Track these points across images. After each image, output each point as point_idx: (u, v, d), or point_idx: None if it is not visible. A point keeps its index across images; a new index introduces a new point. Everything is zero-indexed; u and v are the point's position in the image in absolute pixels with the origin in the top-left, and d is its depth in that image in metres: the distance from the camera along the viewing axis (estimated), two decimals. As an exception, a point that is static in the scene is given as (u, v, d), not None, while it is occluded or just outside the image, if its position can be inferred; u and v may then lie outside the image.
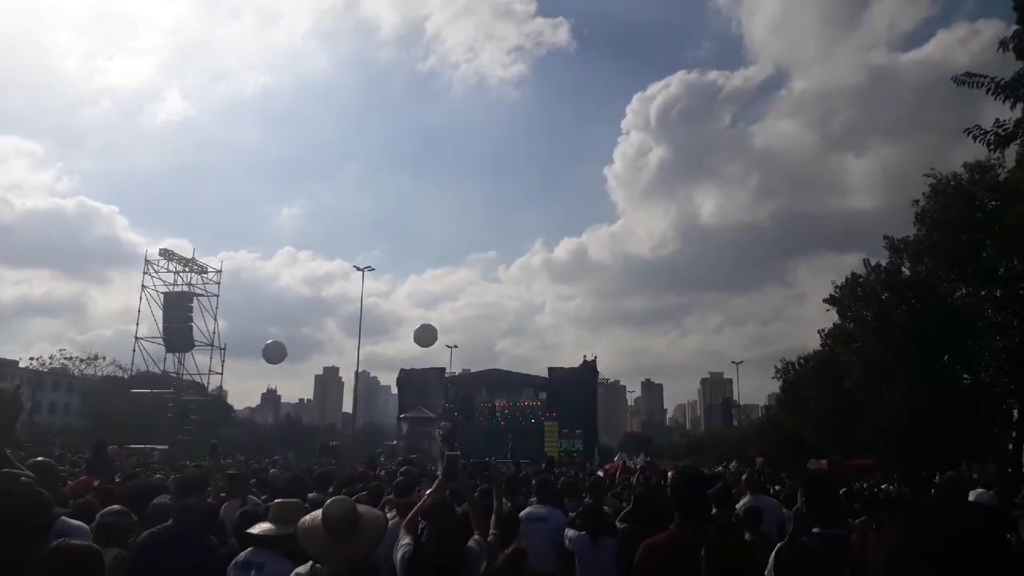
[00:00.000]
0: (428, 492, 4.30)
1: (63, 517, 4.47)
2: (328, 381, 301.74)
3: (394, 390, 70.15)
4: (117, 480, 8.71)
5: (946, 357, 24.61)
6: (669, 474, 14.43)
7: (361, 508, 3.95)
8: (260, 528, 4.00)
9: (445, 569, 3.57)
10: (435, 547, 3.60)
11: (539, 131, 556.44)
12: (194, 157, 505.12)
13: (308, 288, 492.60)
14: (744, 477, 9.22)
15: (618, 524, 6.68)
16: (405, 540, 3.85)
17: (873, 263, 26.88)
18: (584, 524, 6.02)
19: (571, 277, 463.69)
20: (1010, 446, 24.43)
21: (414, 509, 4.14)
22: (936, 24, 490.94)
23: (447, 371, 59.55)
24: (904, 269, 25.62)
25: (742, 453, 40.50)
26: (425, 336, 21.74)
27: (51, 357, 71.20)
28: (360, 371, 53.92)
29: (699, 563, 3.24)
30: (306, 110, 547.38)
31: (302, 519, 3.94)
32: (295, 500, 4.22)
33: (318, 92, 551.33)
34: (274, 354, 20.79)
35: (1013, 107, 11.83)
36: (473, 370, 68.21)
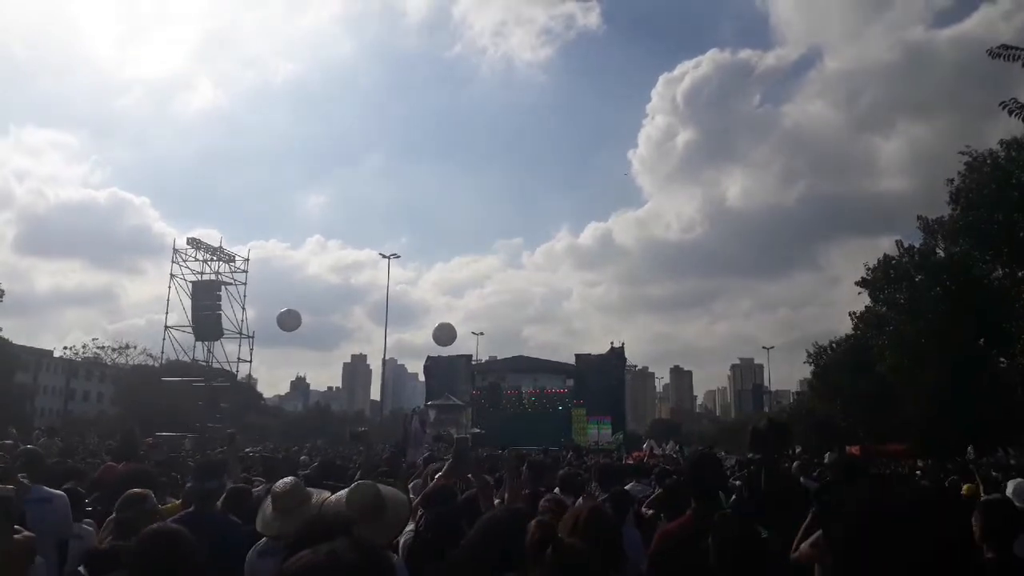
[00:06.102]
0: (437, 476, 4.25)
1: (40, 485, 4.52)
2: (356, 369, 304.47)
3: (421, 377, 70.44)
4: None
5: (981, 340, 24.09)
6: None
7: (385, 491, 3.91)
8: (266, 527, 3.97)
9: (443, 556, 3.52)
10: (432, 536, 3.56)
11: (566, 115, 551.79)
12: (224, 146, 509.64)
13: (336, 276, 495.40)
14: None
15: (644, 509, 6.60)
16: (409, 527, 3.85)
17: (906, 245, 26.41)
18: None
19: (597, 263, 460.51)
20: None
21: (419, 497, 4.10)
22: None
23: (474, 358, 59.77)
24: (938, 250, 25.09)
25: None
26: (443, 335, 21.61)
27: (84, 346, 72.28)
28: (387, 359, 54.40)
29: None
30: (333, 98, 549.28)
31: (326, 501, 3.90)
32: (293, 481, 4.15)
33: (345, 80, 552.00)
34: (288, 321, 20.54)
35: (1053, 80, 11.43)
36: (500, 357, 68.35)
